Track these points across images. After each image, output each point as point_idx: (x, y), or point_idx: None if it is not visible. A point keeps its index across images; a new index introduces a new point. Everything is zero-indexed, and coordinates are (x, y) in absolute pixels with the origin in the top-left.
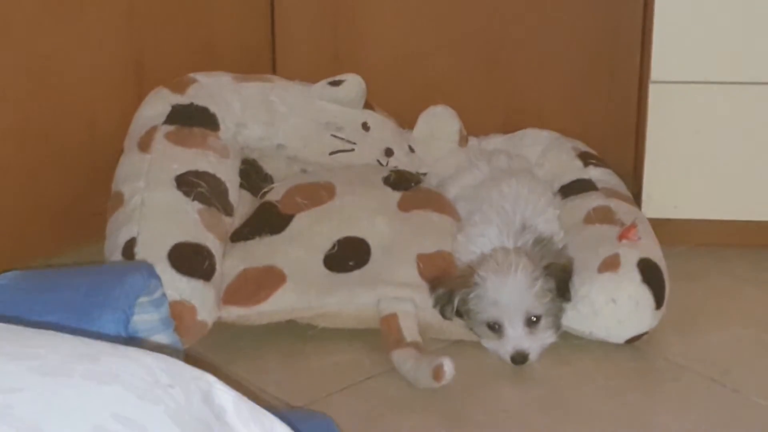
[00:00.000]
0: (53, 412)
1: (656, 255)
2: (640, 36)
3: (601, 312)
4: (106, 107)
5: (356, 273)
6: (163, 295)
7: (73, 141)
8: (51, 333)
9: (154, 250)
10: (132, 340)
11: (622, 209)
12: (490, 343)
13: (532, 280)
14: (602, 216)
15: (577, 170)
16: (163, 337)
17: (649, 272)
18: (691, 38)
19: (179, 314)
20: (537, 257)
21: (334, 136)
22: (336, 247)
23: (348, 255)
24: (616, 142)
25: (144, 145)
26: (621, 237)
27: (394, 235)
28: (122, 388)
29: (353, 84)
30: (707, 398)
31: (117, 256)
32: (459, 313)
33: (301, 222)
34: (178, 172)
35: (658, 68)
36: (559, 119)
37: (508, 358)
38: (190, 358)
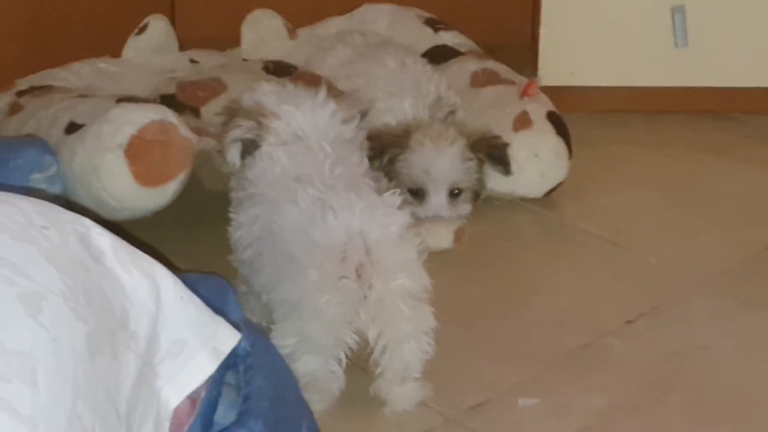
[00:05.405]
0: None
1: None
2: None
3: (526, 168)
4: None
5: None
6: (58, 172)
7: None
8: None
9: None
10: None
11: (502, 69)
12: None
13: (465, 155)
14: (490, 78)
15: (429, 37)
16: None
17: (558, 123)
18: None
19: (165, 130)
20: (466, 131)
21: (173, 78)
22: None
23: None
24: (512, 9)
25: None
26: (523, 94)
27: None
28: None
29: (157, 28)
30: (600, 257)
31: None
32: (382, 170)
33: (209, 112)
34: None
35: None
36: None
37: None
38: (73, 205)
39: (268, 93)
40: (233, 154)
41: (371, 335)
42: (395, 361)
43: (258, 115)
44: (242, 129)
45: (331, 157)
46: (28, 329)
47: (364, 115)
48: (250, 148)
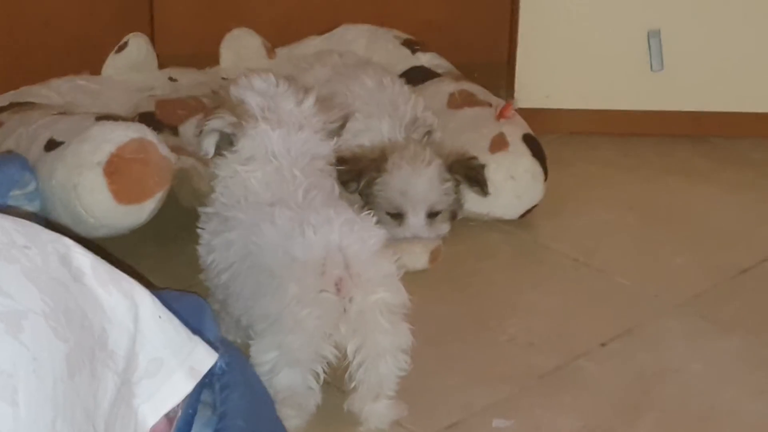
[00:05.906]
0: None
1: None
2: None
3: (502, 190)
4: None
5: None
6: (37, 189)
7: None
8: None
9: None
10: None
11: (479, 91)
12: (388, 228)
13: (442, 176)
14: (467, 99)
15: (406, 58)
16: None
17: (534, 146)
18: None
19: (144, 149)
20: (443, 153)
21: (152, 96)
22: None
23: None
24: (489, 31)
25: None
26: (499, 116)
27: None
28: None
29: (137, 45)
30: (574, 279)
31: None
32: (359, 193)
33: (188, 132)
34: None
35: None
36: (432, 8)
37: None
38: (52, 225)
39: (254, 90)
40: (209, 143)
41: (350, 349)
42: (371, 375)
43: (238, 114)
44: (222, 121)
45: (303, 183)
46: (8, 348)
47: (343, 125)
48: (224, 142)
